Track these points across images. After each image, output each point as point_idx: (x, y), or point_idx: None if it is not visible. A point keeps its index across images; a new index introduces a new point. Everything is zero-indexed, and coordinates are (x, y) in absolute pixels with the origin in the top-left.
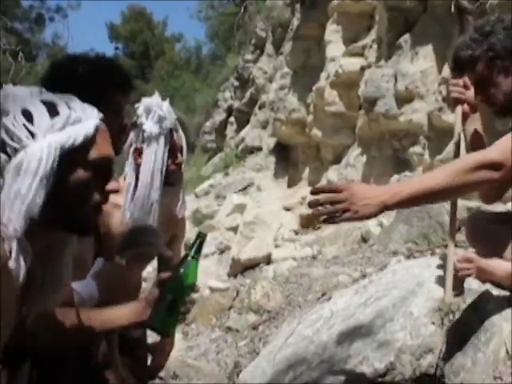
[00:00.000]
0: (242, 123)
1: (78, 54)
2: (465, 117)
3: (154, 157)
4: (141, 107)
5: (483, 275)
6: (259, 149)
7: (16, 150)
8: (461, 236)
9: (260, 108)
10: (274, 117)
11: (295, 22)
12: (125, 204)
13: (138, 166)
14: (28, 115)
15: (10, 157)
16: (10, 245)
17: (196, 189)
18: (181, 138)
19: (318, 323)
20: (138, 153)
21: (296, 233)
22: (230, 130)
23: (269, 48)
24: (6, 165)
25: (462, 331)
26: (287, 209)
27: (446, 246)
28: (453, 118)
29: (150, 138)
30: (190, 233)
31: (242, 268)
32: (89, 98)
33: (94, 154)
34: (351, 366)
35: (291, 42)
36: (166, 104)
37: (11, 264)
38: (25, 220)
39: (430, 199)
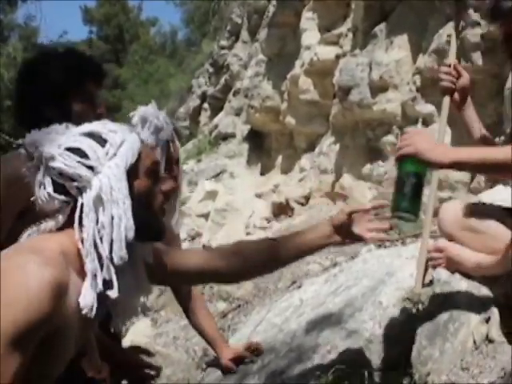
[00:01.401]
0: (216, 110)
1: (48, 49)
2: (461, 103)
3: None
4: (136, 116)
5: (453, 265)
6: (233, 136)
7: (79, 189)
8: (432, 226)
9: (234, 95)
10: (248, 104)
11: (271, 9)
12: None
13: None
14: (78, 152)
15: (73, 197)
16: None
17: None
18: (177, 149)
19: (288, 312)
20: None
21: (268, 220)
22: (204, 117)
23: (244, 35)
24: (76, 205)
25: (430, 321)
26: (260, 196)
27: (416, 236)
28: (426, 108)
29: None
30: None
31: None
32: (62, 91)
33: (146, 162)
34: (319, 354)
35: (267, 29)
36: (162, 114)
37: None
38: (126, 245)
39: (485, 169)
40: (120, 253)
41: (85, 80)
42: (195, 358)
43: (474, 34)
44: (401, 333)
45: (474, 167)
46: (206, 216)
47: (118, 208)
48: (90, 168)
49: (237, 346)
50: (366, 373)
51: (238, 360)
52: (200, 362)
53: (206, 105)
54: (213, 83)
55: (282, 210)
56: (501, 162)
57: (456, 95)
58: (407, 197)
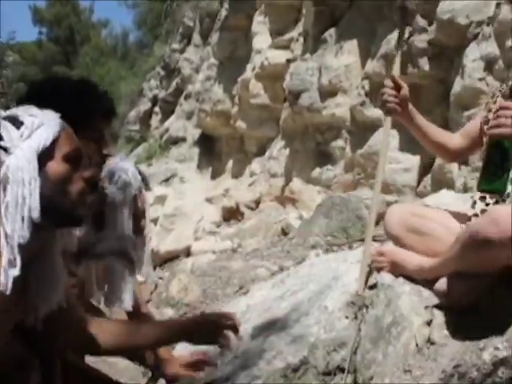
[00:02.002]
0: (167, 113)
1: (61, 77)
2: (404, 114)
3: (116, 226)
4: (104, 170)
5: (396, 269)
6: (183, 139)
7: None
8: (378, 230)
9: (186, 98)
10: (199, 108)
11: (223, 13)
12: None
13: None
14: None
15: None
16: (9, 255)
17: None
18: (144, 201)
19: None
20: (99, 217)
21: (217, 225)
22: (155, 120)
23: (196, 38)
24: None
25: (374, 325)
26: (210, 200)
27: (363, 240)
28: (374, 112)
29: (113, 205)
30: None
31: (161, 260)
32: (71, 125)
33: (65, 148)
34: (265, 360)
35: (218, 33)
36: (130, 167)
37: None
38: (30, 226)
39: None
40: (21, 232)
41: (97, 116)
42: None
43: (421, 40)
44: (345, 337)
45: None
46: (155, 221)
47: (24, 188)
48: (4, 149)
49: (181, 357)
50: (312, 377)
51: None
52: (146, 370)
53: (157, 108)
54: (164, 87)
55: (232, 214)
56: None
57: (399, 112)
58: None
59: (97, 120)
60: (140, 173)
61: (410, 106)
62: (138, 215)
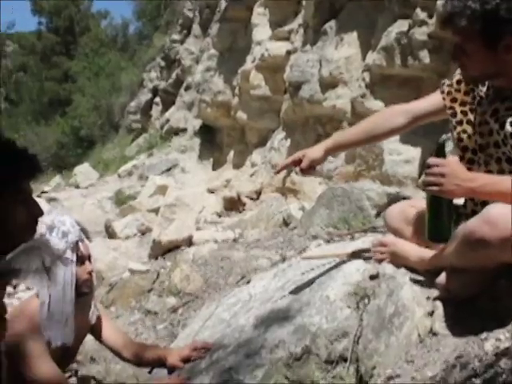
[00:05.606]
0: (168, 104)
1: None
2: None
3: (63, 272)
4: (43, 226)
5: (397, 260)
6: (184, 130)
7: None
8: (380, 221)
9: (186, 89)
10: (200, 98)
11: (223, 4)
12: (41, 321)
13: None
14: None
15: None
16: None
17: (119, 169)
18: (87, 246)
19: (236, 307)
20: (47, 270)
21: (219, 215)
22: (156, 111)
23: (196, 29)
24: None
25: (376, 315)
26: (211, 191)
27: (365, 231)
28: (375, 104)
29: (58, 254)
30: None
31: (162, 250)
32: None
33: None
34: (267, 349)
35: (218, 24)
36: (67, 218)
37: None
38: None
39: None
40: None
41: (20, 178)
42: None
43: (421, 33)
44: (347, 327)
45: (498, 198)
46: (156, 211)
47: None
48: None
49: (181, 348)
50: (314, 366)
51: (185, 360)
52: (141, 372)
53: (157, 99)
54: (164, 77)
55: (233, 204)
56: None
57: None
58: (443, 223)
59: (21, 182)
60: (78, 223)
61: (321, 154)
62: (83, 260)
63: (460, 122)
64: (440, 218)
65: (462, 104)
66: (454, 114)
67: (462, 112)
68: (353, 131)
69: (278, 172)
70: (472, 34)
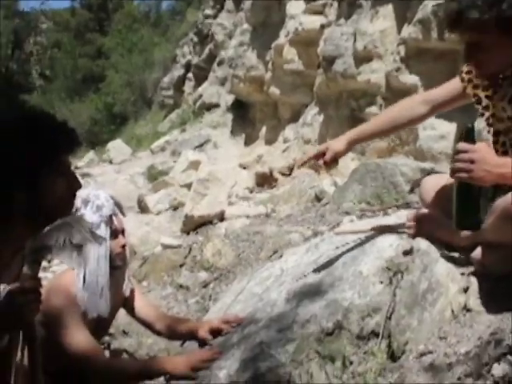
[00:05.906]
0: (201, 79)
1: (16, 115)
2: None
3: (97, 246)
4: (78, 200)
5: (431, 235)
6: (217, 105)
7: None
8: (414, 197)
9: (219, 64)
10: (233, 74)
11: None
12: (77, 293)
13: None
14: None
15: None
16: None
17: (152, 145)
18: (121, 221)
19: (268, 281)
20: (78, 246)
21: (251, 191)
22: (188, 86)
23: (229, 4)
24: None
25: (409, 291)
26: (243, 166)
27: (398, 206)
28: (410, 79)
29: (91, 228)
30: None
31: (194, 225)
32: (33, 164)
33: None
34: (299, 324)
35: None
36: (102, 193)
37: None
38: None
39: None
40: None
41: (60, 152)
42: None
43: None
44: (380, 302)
45: None
46: (188, 186)
47: None
48: None
49: (212, 320)
50: (345, 341)
51: (216, 333)
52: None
53: (190, 74)
54: (197, 53)
55: (265, 180)
56: None
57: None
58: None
59: (60, 156)
60: (112, 197)
61: (344, 146)
62: (117, 233)
63: (487, 107)
64: (469, 205)
65: (485, 89)
66: (479, 101)
67: (486, 97)
68: (375, 122)
69: (300, 166)
70: (487, 24)
